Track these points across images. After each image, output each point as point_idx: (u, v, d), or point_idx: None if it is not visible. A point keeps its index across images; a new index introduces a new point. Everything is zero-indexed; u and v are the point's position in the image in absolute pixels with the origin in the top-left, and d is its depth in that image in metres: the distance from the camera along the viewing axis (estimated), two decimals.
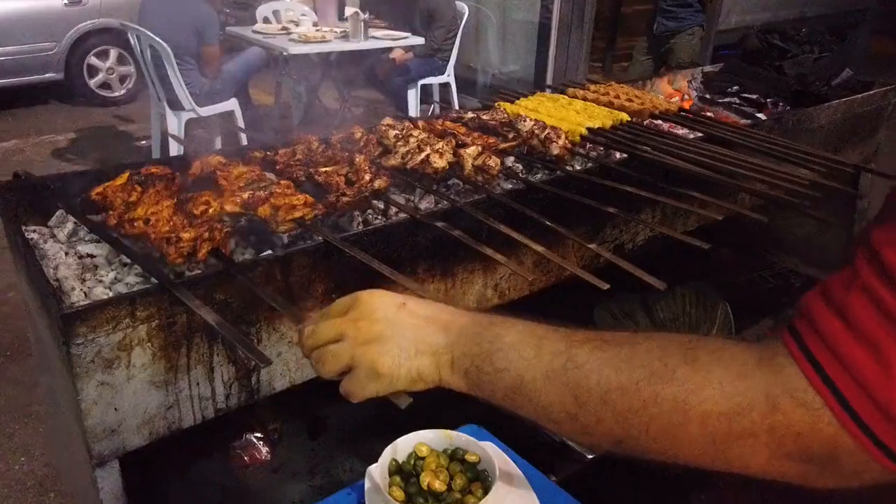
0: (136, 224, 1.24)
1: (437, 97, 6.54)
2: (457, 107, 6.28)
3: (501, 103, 2.06)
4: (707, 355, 0.63)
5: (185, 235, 1.19)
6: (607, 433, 0.66)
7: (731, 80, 2.54)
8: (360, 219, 1.51)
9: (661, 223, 1.94)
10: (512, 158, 1.82)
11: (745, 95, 2.48)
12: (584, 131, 1.86)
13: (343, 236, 1.29)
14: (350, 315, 0.78)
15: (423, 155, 1.61)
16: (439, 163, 1.59)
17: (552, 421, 0.70)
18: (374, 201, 1.49)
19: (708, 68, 2.78)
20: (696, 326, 2.50)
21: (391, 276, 1.13)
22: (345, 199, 1.38)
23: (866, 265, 0.57)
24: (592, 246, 1.45)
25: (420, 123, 1.83)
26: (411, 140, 1.68)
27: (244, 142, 5.11)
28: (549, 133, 1.78)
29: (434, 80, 6.09)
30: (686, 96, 2.56)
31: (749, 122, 2.31)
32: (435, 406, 0.91)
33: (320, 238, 1.27)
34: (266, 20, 5.83)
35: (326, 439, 1.92)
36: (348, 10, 5.29)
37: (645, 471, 0.76)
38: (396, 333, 0.75)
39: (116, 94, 6.94)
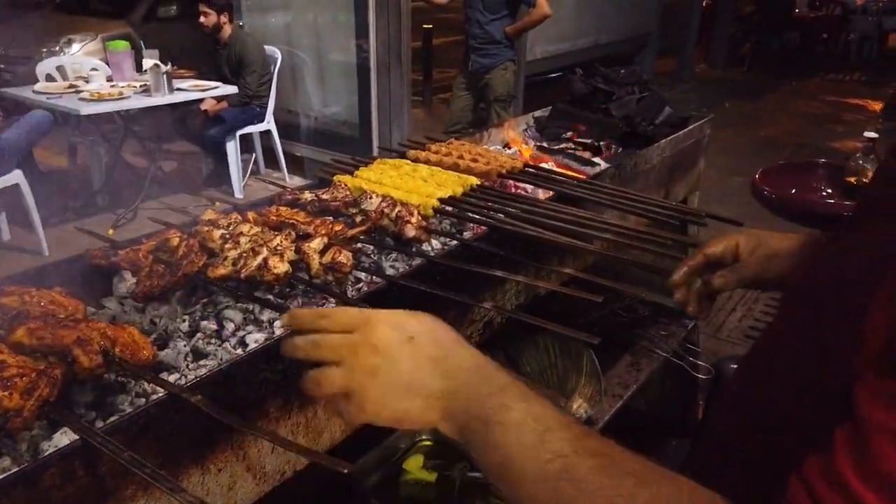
0: None
1: (258, 145, 6.18)
2: (280, 153, 5.97)
3: (341, 177, 1.85)
4: None
5: None
6: None
7: (563, 126, 2.54)
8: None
9: (517, 295, 1.84)
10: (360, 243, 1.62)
11: (580, 140, 2.49)
12: (435, 203, 1.71)
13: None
14: (352, 337, 0.72)
15: (259, 259, 1.35)
16: (280, 267, 1.35)
17: None
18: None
19: (538, 113, 2.77)
20: (564, 377, 2.44)
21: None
22: (18, 420, 0.87)
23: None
24: None
25: (250, 215, 1.57)
26: (242, 240, 1.42)
27: (36, 221, 4.48)
28: (400, 211, 1.61)
29: (253, 129, 5.74)
30: (525, 144, 2.52)
31: (589, 167, 2.30)
32: None
33: None
34: (49, 78, 5.15)
35: None
36: (147, 63, 4.79)
37: None
38: (392, 369, 0.71)
39: None
